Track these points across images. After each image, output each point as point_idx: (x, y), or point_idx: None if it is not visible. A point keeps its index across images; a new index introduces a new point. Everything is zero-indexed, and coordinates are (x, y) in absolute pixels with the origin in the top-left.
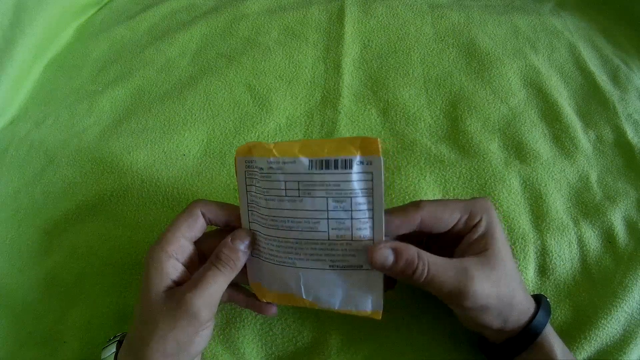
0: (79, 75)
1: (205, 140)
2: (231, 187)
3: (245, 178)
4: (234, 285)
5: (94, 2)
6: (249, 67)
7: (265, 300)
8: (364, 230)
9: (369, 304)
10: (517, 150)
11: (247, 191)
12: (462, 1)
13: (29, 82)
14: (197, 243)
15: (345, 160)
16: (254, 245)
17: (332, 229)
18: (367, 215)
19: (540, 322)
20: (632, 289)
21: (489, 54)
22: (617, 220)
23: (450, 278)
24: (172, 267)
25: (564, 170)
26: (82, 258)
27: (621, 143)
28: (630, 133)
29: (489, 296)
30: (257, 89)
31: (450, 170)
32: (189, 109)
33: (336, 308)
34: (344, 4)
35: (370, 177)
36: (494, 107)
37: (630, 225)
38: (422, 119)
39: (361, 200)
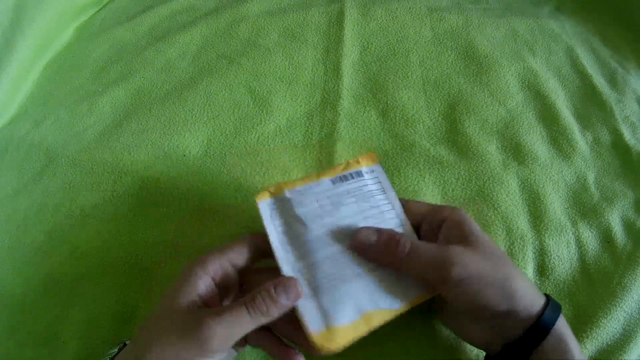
0: (79, 76)
1: (206, 141)
2: (231, 187)
3: (273, 221)
4: (265, 331)
5: (93, 3)
6: (249, 69)
7: (335, 348)
8: (393, 219)
9: (416, 289)
10: (515, 152)
11: (278, 232)
12: (460, 4)
13: (28, 82)
14: (243, 274)
15: (356, 172)
16: (304, 287)
17: (373, 224)
18: (389, 207)
19: (551, 316)
20: (630, 288)
21: (487, 56)
22: (615, 221)
23: (434, 249)
24: (205, 284)
25: (562, 171)
26: (81, 258)
27: (618, 145)
28: (627, 135)
29: (477, 267)
30: (257, 90)
31: (449, 172)
32: (189, 110)
33: (398, 307)
34: (344, 6)
35: (378, 179)
36: (492, 109)
37: (628, 225)
38: (421, 121)
39: (380, 197)
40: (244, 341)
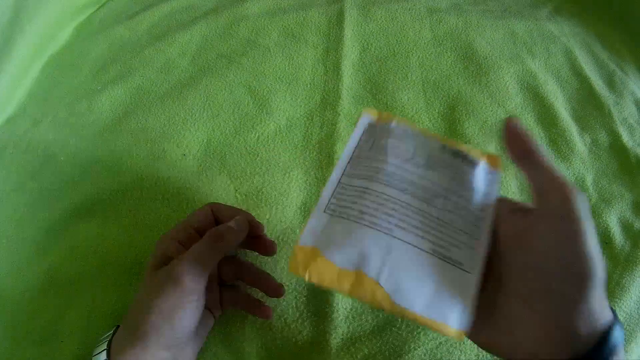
0: (78, 74)
1: (205, 140)
2: (231, 187)
3: (363, 134)
4: (233, 288)
5: (93, 2)
6: (249, 68)
7: (308, 277)
8: (474, 230)
9: (455, 318)
10: None
11: (358, 145)
12: (460, 6)
13: (27, 80)
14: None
15: (474, 159)
16: (332, 200)
17: (447, 210)
18: (480, 217)
19: (618, 338)
20: (629, 288)
21: (487, 58)
22: (613, 222)
23: (563, 175)
24: (175, 248)
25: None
26: (80, 257)
27: (616, 146)
28: (625, 137)
29: (553, 235)
30: (257, 90)
31: None
32: (188, 109)
33: (416, 311)
34: (344, 7)
35: (489, 183)
36: (491, 111)
37: (625, 226)
38: (421, 122)
39: (478, 199)
40: (220, 305)
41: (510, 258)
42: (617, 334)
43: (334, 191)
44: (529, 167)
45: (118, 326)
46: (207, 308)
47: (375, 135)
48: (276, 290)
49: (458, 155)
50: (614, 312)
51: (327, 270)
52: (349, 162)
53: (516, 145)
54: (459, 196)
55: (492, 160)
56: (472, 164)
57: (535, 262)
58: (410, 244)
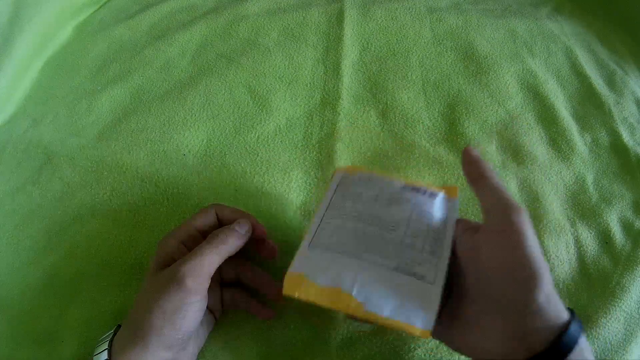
0: (77, 74)
1: (205, 140)
2: (231, 187)
3: (338, 186)
4: (235, 289)
5: (92, 1)
6: (248, 68)
7: (297, 296)
8: (436, 250)
9: (419, 320)
10: (514, 152)
11: (335, 194)
12: (460, 5)
13: (27, 80)
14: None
15: (432, 192)
16: (315, 236)
17: (409, 235)
18: (440, 237)
19: (574, 334)
20: (629, 288)
21: (487, 57)
22: (613, 222)
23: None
24: (177, 248)
25: (561, 172)
26: (80, 257)
27: (617, 146)
28: (625, 136)
29: (535, 238)
30: (257, 89)
31: (449, 172)
32: (188, 109)
33: (385, 315)
34: (344, 6)
35: (449, 210)
36: (492, 110)
37: (626, 226)
38: (421, 121)
39: (437, 225)
40: (221, 305)
41: (467, 271)
42: (573, 331)
43: (315, 231)
44: (480, 189)
45: (119, 326)
46: (208, 308)
47: (346, 187)
48: (277, 294)
49: (418, 191)
50: (571, 311)
51: (311, 290)
52: (326, 209)
53: (471, 169)
54: (419, 223)
55: (450, 191)
56: (432, 196)
57: (485, 272)
58: (377, 264)
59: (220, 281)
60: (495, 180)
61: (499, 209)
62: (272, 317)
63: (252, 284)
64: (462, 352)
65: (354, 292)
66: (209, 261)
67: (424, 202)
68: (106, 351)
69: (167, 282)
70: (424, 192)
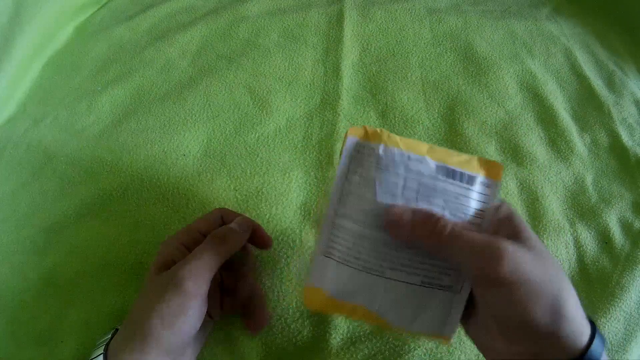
0: (78, 75)
1: (205, 140)
2: (231, 187)
3: (350, 163)
4: (234, 293)
5: (93, 2)
6: (248, 69)
7: (314, 309)
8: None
9: (444, 328)
10: (514, 153)
11: (347, 178)
12: (459, 6)
13: (27, 80)
14: (233, 282)
15: (470, 176)
16: (330, 244)
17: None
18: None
19: (598, 351)
20: (629, 288)
21: (486, 58)
22: (613, 222)
23: (483, 237)
24: (178, 251)
25: (560, 173)
26: (80, 257)
27: (616, 147)
28: (624, 137)
29: (531, 270)
30: (257, 90)
31: None
32: (189, 110)
33: (411, 330)
34: (343, 7)
35: (487, 199)
36: (491, 111)
37: (625, 226)
38: (421, 122)
39: (473, 222)
40: (221, 309)
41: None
42: (596, 347)
43: (330, 233)
44: (443, 249)
45: (116, 329)
46: (207, 312)
47: (362, 165)
48: (261, 322)
49: (453, 175)
50: (593, 326)
51: (332, 303)
52: (339, 198)
53: (424, 232)
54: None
55: (492, 170)
56: (468, 182)
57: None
58: (401, 281)
59: (221, 286)
60: (461, 230)
61: (481, 259)
62: (265, 324)
63: (244, 301)
64: (474, 342)
65: (379, 311)
66: (208, 263)
67: (459, 194)
68: (102, 355)
69: (166, 286)
70: (461, 177)
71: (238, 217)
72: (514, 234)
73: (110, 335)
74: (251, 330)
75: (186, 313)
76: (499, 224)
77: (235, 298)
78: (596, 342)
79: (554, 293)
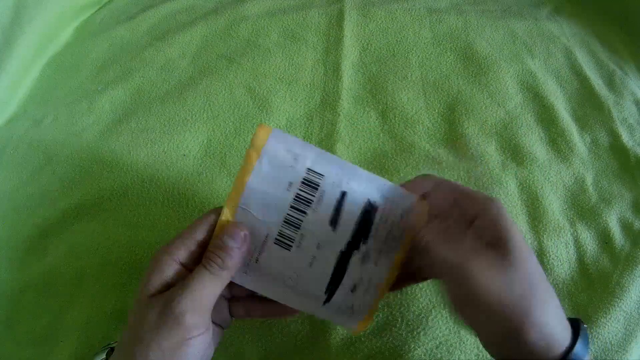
0: (78, 75)
1: (206, 141)
2: (231, 187)
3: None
4: (250, 297)
5: (93, 2)
6: (249, 69)
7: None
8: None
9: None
10: (514, 153)
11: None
12: (459, 6)
13: (28, 80)
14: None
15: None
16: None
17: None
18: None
19: (578, 354)
20: (629, 288)
21: (486, 58)
22: (613, 222)
23: (451, 249)
24: (172, 268)
25: (560, 172)
26: (80, 257)
27: (616, 146)
28: (625, 137)
29: (499, 293)
30: (257, 90)
31: (449, 173)
32: (189, 110)
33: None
34: (344, 7)
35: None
36: (491, 111)
37: (625, 226)
38: (421, 122)
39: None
40: (229, 314)
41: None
42: (578, 351)
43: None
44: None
45: (111, 349)
46: (215, 323)
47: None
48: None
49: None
50: (575, 325)
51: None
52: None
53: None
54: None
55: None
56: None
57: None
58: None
59: (228, 294)
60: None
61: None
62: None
63: (252, 300)
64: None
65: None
66: (211, 292)
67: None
68: None
69: (165, 319)
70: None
71: (228, 227)
72: (496, 243)
73: (105, 356)
74: (285, 316)
75: (189, 344)
76: (483, 230)
77: (243, 301)
78: (578, 346)
79: (514, 303)
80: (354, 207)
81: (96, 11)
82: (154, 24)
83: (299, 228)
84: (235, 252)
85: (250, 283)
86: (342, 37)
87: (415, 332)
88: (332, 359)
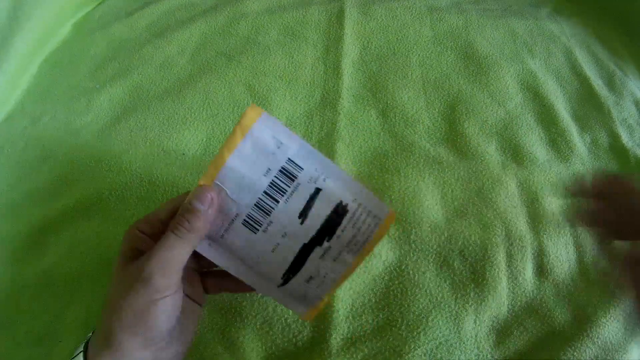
0: (76, 72)
1: (205, 139)
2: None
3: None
4: (221, 271)
5: None
6: (248, 67)
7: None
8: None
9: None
10: (514, 153)
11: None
12: (460, 5)
13: (25, 78)
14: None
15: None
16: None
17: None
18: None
19: None
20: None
21: (487, 57)
22: None
23: None
24: (143, 241)
25: (560, 173)
26: (79, 256)
27: (616, 147)
28: (624, 137)
29: None
30: (257, 88)
31: (449, 172)
32: (188, 108)
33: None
34: (344, 5)
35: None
36: (492, 110)
37: None
38: (421, 121)
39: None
40: (203, 290)
41: None
42: None
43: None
44: None
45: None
46: (189, 297)
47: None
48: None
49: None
50: None
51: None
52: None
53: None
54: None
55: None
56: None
57: None
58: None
59: (199, 268)
60: None
61: None
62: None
63: (227, 276)
64: None
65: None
66: (179, 254)
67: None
68: (82, 353)
69: (134, 281)
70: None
71: (196, 190)
72: None
73: (91, 334)
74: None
75: (157, 305)
76: None
77: (218, 276)
78: None
79: None
80: (325, 206)
81: (94, 8)
82: (153, 21)
83: (269, 215)
84: (202, 215)
85: (212, 255)
86: (343, 35)
87: (415, 332)
88: (332, 359)
